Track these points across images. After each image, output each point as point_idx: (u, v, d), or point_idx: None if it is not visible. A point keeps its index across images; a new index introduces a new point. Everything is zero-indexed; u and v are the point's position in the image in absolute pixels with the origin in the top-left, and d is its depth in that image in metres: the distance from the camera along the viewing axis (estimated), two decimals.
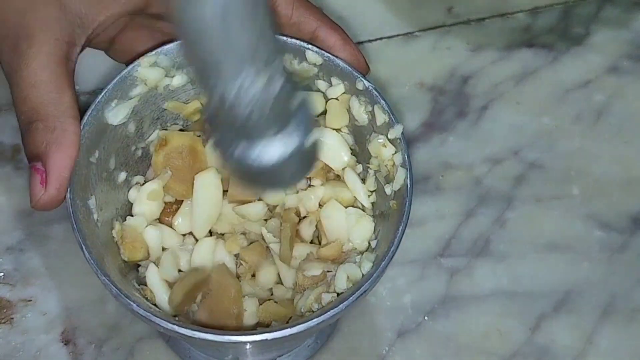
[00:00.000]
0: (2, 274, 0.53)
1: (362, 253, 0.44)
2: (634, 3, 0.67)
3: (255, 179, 0.36)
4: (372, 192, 0.46)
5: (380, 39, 0.64)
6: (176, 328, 0.38)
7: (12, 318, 0.52)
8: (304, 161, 0.36)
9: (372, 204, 0.46)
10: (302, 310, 0.43)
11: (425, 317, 0.53)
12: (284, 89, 0.32)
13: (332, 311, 0.38)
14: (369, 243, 0.45)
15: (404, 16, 0.65)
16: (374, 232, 0.45)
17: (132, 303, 0.38)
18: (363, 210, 0.46)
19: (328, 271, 0.44)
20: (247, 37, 0.29)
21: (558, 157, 0.60)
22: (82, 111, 0.42)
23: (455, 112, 0.61)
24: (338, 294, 0.42)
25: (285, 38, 0.45)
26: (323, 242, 0.46)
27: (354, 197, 0.46)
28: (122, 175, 0.46)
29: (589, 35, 0.65)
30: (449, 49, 0.64)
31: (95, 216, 0.43)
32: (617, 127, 0.61)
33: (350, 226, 0.45)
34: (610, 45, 0.64)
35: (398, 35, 0.64)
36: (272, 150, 0.33)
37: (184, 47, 0.30)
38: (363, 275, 0.42)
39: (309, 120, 0.35)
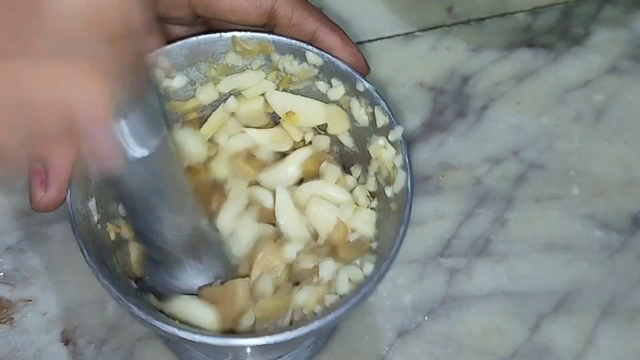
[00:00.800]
0: (2, 273, 0.53)
1: (370, 242, 0.44)
2: (633, 3, 0.67)
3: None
4: (372, 192, 0.46)
5: (380, 39, 0.64)
6: (176, 331, 0.38)
7: (12, 318, 0.52)
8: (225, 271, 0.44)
9: (370, 194, 0.46)
10: (303, 311, 0.43)
11: (425, 317, 0.53)
12: (201, 226, 0.40)
13: (333, 314, 0.38)
14: (374, 235, 0.45)
15: (404, 16, 0.65)
16: (376, 222, 0.45)
17: (132, 306, 0.38)
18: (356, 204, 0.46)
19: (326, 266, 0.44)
20: (174, 182, 0.37)
21: (558, 157, 0.60)
22: None
23: (455, 112, 0.61)
24: (340, 296, 0.42)
25: (285, 39, 0.45)
26: (319, 241, 0.46)
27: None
28: None
29: (589, 36, 0.65)
30: (449, 49, 0.64)
31: (95, 218, 0.43)
32: (617, 127, 0.61)
33: (347, 219, 0.45)
34: (610, 45, 0.64)
35: (398, 35, 0.64)
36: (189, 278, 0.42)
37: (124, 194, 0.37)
38: (365, 276, 0.42)
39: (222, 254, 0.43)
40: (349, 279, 0.42)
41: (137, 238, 0.42)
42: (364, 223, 0.45)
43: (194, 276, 0.42)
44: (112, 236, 0.44)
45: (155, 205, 0.36)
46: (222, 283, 0.43)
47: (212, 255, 0.43)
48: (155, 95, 0.34)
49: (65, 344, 0.51)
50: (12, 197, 0.55)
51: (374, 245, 0.44)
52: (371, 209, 0.46)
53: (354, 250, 0.45)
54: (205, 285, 0.43)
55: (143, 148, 0.32)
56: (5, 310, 0.52)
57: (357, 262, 0.43)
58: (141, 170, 0.33)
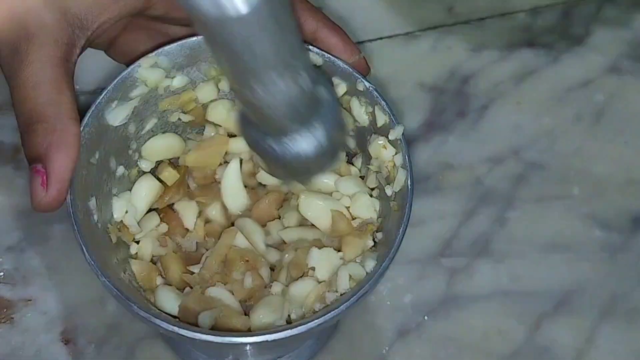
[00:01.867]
0: (2, 273, 0.53)
1: (374, 227, 0.45)
2: (634, 3, 0.67)
3: (285, 170, 0.39)
4: (372, 189, 0.46)
5: (381, 38, 0.64)
6: (177, 329, 0.38)
7: (12, 317, 0.52)
8: (327, 155, 0.38)
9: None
10: (303, 309, 0.43)
11: (426, 317, 0.53)
12: (308, 89, 0.34)
13: (332, 312, 0.38)
14: (378, 220, 0.45)
15: (404, 16, 0.65)
16: (378, 209, 0.45)
17: (132, 304, 0.38)
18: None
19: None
20: (278, 42, 0.30)
21: (558, 157, 0.60)
22: (82, 112, 0.42)
23: (455, 111, 0.61)
24: (341, 294, 0.42)
25: None
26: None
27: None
28: (122, 174, 0.46)
29: (589, 35, 0.65)
30: (449, 49, 0.64)
31: (95, 217, 0.43)
32: (618, 127, 0.61)
33: (347, 207, 0.46)
34: (611, 45, 0.64)
35: (398, 35, 0.64)
36: (297, 145, 0.36)
37: (216, 50, 0.31)
38: (367, 273, 0.42)
39: (334, 117, 0.37)
40: (350, 277, 0.42)
41: (238, 100, 0.38)
42: (365, 208, 0.45)
43: (294, 141, 0.37)
44: (114, 239, 0.44)
45: (260, 67, 0.31)
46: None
47: (324, 119, 0.37)
48: None
49: (66, 344, 0.51)
50: (12, 197, 0.55)
51: (379, 235, 0.44)
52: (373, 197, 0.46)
53: (361, 236, 0.45)
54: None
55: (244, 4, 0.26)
56: (5, 310, 0.52)
57: (358, 259, 0.43)
58: (244, 29, 0.28)
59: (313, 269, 0.44)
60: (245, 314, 0.43)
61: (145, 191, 0.46)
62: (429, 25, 0.65)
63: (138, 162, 0.47)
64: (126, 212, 0.45)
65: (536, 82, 0.63)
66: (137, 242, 0.46)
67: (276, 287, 0.44)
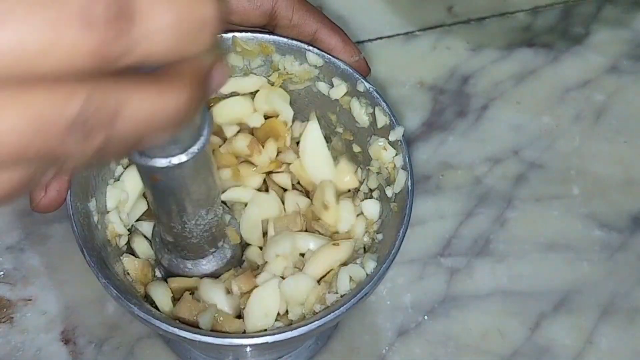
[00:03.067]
0: (2, 273, 0.53)
1: (375, 229, 0.45)
2: (633, 3, 0.67)
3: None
4: (372, 190, 0.46)
5: (380, 38, 0.64)
6: (177, 331, 0.38)
7: (12, 317, 0.52)
8: (232, 264, 0.44)
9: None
10: (303, 311, 0.43)
11: (425, 317, 0.53)
12: (221, 217, 0.40)
13: (333, 314, 0.38)
14: (377, 220, 0.45)
15: (404, 15, 0.65)
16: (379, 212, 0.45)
17: (132, 306, 0.38)
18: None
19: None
20: (205, 187, 0.36)
21: (558, 156, 0.60)
22: None
23: (455, 111, 0.61)
24: (342, 295, 0.42)
25: (286, 40, 0.45)
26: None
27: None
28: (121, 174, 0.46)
29: (589, 35, 0.65)
30: (449, 49, 0.64)
31: (95, 218, 0.42)
32: (617, 127, 0.61)
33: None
34: (610, 44, 0.64)
35: (398, 34, 0.64)
36: (210, 264, 0.43)
37: (159, 194, 0.36)
38: (367, 274, 0.42)
39: (224, 259, 0.43)
40: (351, 278, 0.42)
41: (158, 224, 0.43)
42: (370, 207, 0.45)
43: (209, 261, 0.43)
44: (114, 242, 0.44)
45: (185, 202, 0.36)
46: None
47: (226, 239, 0.43)
48: None
49: (65, 344, 0.51)
50: None
51: (379, 236, 0.44)
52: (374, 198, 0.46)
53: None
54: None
55: (183, 154, 0.31)
56: (5, 310, 0.52)
57: (358, 261, 0.43)
58: (177, 173, 0.32)
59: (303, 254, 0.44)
60: (239, 317, 0.43)
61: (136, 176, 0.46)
62: (428, 25, 0.65)
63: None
64: (119, 201, 0.45)
65: (536, 82, 0.63)
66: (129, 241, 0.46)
67: (271, 281, 0.43)
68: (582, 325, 0.54)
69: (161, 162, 0.31)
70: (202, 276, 0.43)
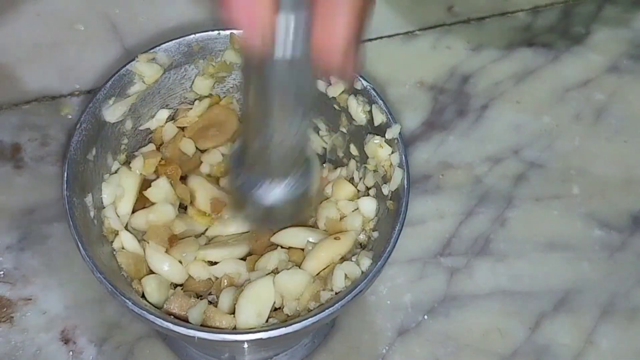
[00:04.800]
0: (2, 272, 0.53)
1: (370, 225, 0.45)
2: (633, 2, 0.67)
3: (264, 216, 0.40)
4: (369, 188, 0.46)
5: (381, 37, 0.64)
6: (170, 326, 0.38)
7: (12, 317, 0.52)
8: (301, 205, 0.40)
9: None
10: (298, 308, 0.43)
11: (425, 316, 0.53)
12: (307, 139, 0.37)
13: (327, 311, 0.38)
14: (374, 218, 0.45)
15: (404, 15, 0.65)
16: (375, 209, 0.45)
17: (127, 300, 0.38)
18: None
19: None
20: (304, 90, 0.33)
21: (558, 156, 0.60)
22: (80, 110, 0.42)
23: (455, 111, 0.61)
24: (336, 293, 0.42)
25: None
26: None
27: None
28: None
29: (589, 35, 0.65)
30: (449, 48, 0.64)
31: (92, 213, 0.43)
32: (617, 127, 0.61)
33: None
34: (611, 44, 0.64)
35: (398, 34, 0.64)
36: (285, 190, 0.38)
37: (250, 92, 0.33)
38: (362, 272, 0.42)
39: (314, 170, 0.39)
40: (346, 276, 0.42)
41: (245, 137, 0.38)
42: (367, 205, 0.45)
43: (283, 187, 0.39)
44: (110, 238, 0.44)
45: (281, 108, 0.34)
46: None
47: (309, 172, 0.40)
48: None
49: (65, 343, 0.51)
50: (12, 197, 0.55)
51: (375, 234, 0.44)
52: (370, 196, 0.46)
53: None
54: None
55: (295, 51, 0.30)
56: (5, 309, 0.52)
57: (354, 258, 0.43)
58: (282, 71, 0.31)
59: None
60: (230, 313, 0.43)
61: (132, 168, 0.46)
62: (429, 24, 0.65)
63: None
64: (115, 196, 0.45)
65: (536, 82, 0.63)
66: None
67: (264, 276, 0.44)
68: (582, 324, 0.54)
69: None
70: (268, 208, 0.39)
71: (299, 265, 0.44)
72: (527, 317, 0.54)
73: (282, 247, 0.45)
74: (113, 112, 0.44)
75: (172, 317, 0.41)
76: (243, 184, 0.39)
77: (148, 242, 0.45)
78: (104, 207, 0.44)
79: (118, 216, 0.45)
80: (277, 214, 0.39)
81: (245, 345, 0.44)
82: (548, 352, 0.53)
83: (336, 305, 0.39)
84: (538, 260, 0.56)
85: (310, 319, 0.38)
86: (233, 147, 0.41)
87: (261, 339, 0.37)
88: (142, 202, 0.47)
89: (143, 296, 0.44)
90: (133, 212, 0.46)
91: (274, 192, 0.38)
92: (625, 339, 0.53)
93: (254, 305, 0.42)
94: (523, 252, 0.56)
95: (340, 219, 0.46)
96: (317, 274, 0.43)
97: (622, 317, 0.54)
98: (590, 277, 0.55)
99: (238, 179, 0.39)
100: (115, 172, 0.46)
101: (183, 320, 0.41)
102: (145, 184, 0.47)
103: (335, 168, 0.49)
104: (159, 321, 0.38)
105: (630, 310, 0.54)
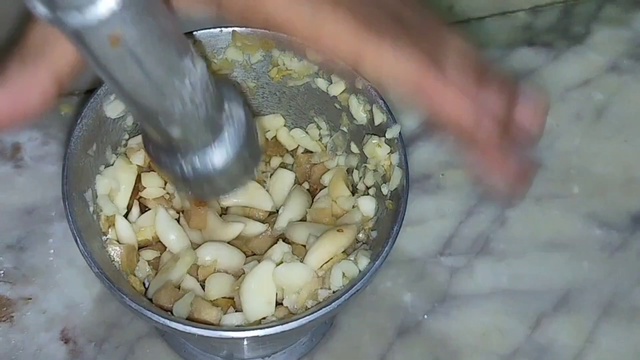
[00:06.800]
0: (2, 272, 0.53)
1: (370, 224, 0.45)
2: (634, 2, 0.67)
3: (208, 186, 0.37)
4: (369, 187, 0.46)
5: None
6: (168, 322, 0.38)
7: (12, 316, 0.52)
8: (247, 163, 0.38)
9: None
10: (295, 306, 0.43)
11: (425, 316, 0.53)
12: (211, 98, 0.33)
13: (324, 309, 0.38)
14: (373, 217, 0.45)
15: None
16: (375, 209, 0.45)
17: (124, 296, 0.38)
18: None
19: None
20: (168, 57, 0.29)
21: (558, 155, 0.60)
22: (80, 107, 0.42)
23: None
24: (334, 291, 0.42)
25: (286, 35, 0.45)
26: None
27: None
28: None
29: (589, 34, 0.65)
30: None
31: (91, 209, 0.43)
32: (618, 126, 0.61)
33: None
34: (611, 44, 0.64)
35: None
36: (216, 156, 0.35)
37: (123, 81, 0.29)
38: (360, 271, 0.42)
39: (245, 132, 0.36)
40: (344, 274, 0.42)
41: (149, 127, 0.35)
42: (366, 204, 0.45)
43: (216, 155, 0.36)
44: (108, 232, 0.44)
45: (133, 78, 0.29)
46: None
47: (233, 134, 0.36)
48: None
49: (65, 343, 0.51)
50: (12, 196, 0.55)
51: (374, 234, 0.44)
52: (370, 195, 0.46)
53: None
54: None
55: (86, 9, 0.24)
56: (5, 309, 0.52)
57: (352, 257, 0.43)
58: (94, 37, 0.25)
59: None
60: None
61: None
62: None
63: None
64: (110, 189, 0.45)
65: (536, 81, 0.63)
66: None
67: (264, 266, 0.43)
68: (583, 324, 0.54)
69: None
70: (206, 178, 0.36)
71: (301, 259, 0.44)
72: (527, 316, 0.54)
73: (284, 240, 0.45)
74: (114, 107, 0.44)
75: (169, 313, 0.41)
76: (169, 165, 0.36)
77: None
78: (97, 199, 0.44)
79: (115, 206, 0.45)
80: (219, 180, 0.37)
81: (246, 342, 0.44)
82: (548, 351, 0.53)
83: (334, 303, 0.39)
84: (538, 259, 0.56)
85: (307, 317, 0.38)
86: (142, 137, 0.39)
87: (257, 336, 0.37)
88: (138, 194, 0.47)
89: (145, 295, 0.44)
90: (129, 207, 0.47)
91: (204, 161, 0.35)
92: (625, 339, 0.53)
93: (261, 294, 0.42)
94: (523, 252, 0.56)
95: (337, 218, 0.46)
96: (318, 268, 0.43)
97: (622, 317, 0.54)
98: (590, 276, 0.55)
99: (160, 162, 0.36)
100: (112, 164, 0.45)
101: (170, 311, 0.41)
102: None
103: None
104: (156, 317, 0.38)
105: (630, 310, 0.54)
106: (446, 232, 0.56)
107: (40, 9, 0.23)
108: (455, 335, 0.53)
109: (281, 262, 0.43)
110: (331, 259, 0.43)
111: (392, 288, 0.54)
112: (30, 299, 0.53)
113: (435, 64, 0.38)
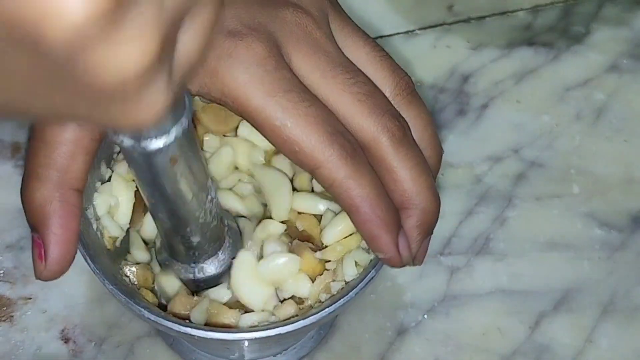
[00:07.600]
0: (2, 271, 0.53)
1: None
2: (634, 2, 0.67)
3: (209, 283, 0.42)
4: None
5: (380, 37, 0.64)
6: (190, 330, 0.38)
7: (12, 316, 0.52)
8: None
9: None
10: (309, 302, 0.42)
11: (425, 316, 0.53)
12: (220, 212, 0.39)
13: (327, 310, 0.38)
14: None
15: (404, 14, 0.65)
16: None
17: (143, 310, 0.38)
18: None
19: None
20: (201, 176, 0.34)
21: (558, 155, 0.60)
22: None
23: (455, 110, 0.61)
24: (347, 282, 0.42)
25: None
26: None
27: None
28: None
29: (589, 34, 0.65)
30: (449, 47, 0.64)
31: (94, 226, 0.42)
32: (618, 126, 0.61)
33: None
34: (611, 43, 0.64)
35: (398, 33, 0.64)
36: (221, 262, 0.41)
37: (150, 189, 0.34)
38: (371, 260, 0.41)
39: (237, 236, 0.42)
40: (356, 263, 0.41)
41: (176, 237, 0.39)
42: None
43: (221, 261, 0.41)
44: (112, 248, 0.44)
45: (180, 192, 0.33)
46: None
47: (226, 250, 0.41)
48: None
49: (65, 342, 0.51)
50: (12, 195, 0.55)
51: None
52: None
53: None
54: None
55: (162, 138, 0.28)
56: (5, 308, 0.52)
57: (363, 244, 0.42)
58: (161, 159, 0.30)
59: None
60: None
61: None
62: (428, 23, 0.65)
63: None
64: (109, 206, 0.44)
65: (536, 81, 0.63)
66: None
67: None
68: (582, 324, 0.54)
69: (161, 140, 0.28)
70: (204, 280, 0.41)
71: (308, 240, 0.43)
72: (527, 316, 0.54)
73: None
74: None
75: (187, 321, 0.41)
76: (182, 272, 0.41)
77: None
78: (99, 218, 0.43)
79: (118, 224, 0.44)
80: (219, 279, 0.42)
81: (247, 344, 0.44)
82: (548, 351, 0.53)
83: (340, 301, 0.39)
84: (538, 259, 0.56)
85: (311, 318, 0.38)
86: (156, 246, 0.43)
87: (260, 337, 0.37)
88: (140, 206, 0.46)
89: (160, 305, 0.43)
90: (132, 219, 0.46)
91: (215, 266, 0.41)
92: (625, 339, 0.53)
93: (252, 282, 0.42)
94: (523, 252, 0.56)
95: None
96: (326, 260, 0.42)
97: (622, 317, 0.54)
98: (590, 276, 0.55)
99: (175, 269, 0.41)
100: (108, 179, 0.44)
101: (186, 319, 0.41)
102: None
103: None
104: (176, 327, 0.38)
105: (630, 309, 0.54)
106: (446, 232, 0.56)
107: (127, 142, 0.28)
108: (455, 335, 0.53)
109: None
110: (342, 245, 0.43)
111: (392, 287, 0.54)
112: (30, 298, 0.53)
113: None
